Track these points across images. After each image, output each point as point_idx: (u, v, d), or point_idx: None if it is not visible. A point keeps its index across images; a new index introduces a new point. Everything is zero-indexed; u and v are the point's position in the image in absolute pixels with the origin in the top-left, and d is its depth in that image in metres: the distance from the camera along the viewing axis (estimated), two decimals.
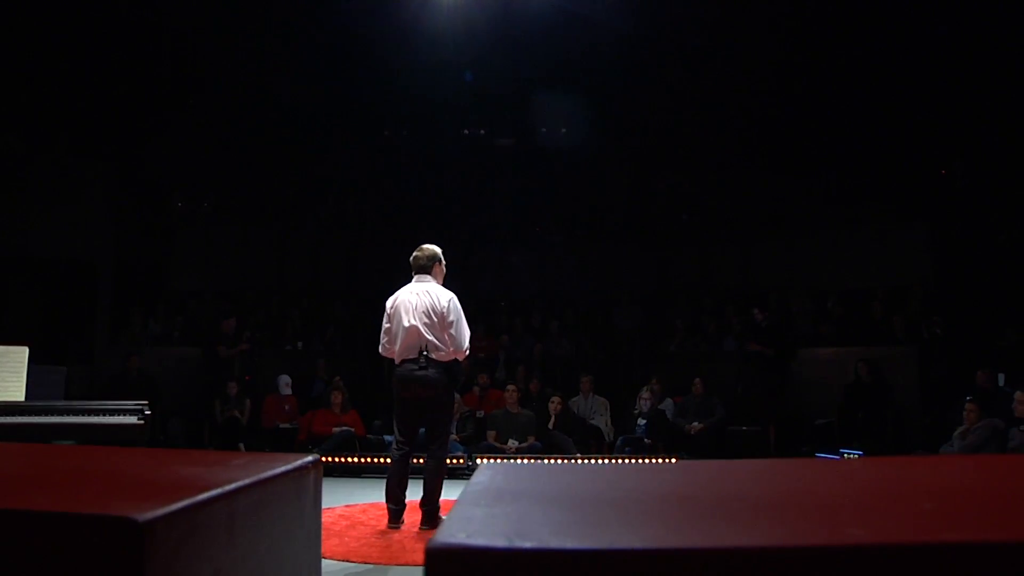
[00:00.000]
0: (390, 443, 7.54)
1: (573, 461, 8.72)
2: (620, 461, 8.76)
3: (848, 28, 10.57)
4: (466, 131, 14.25)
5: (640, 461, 8.63)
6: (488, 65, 11.59)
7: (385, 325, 5.56)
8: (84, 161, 10.86)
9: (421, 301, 5.43)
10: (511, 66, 11.70)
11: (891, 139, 11.60)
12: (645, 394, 9.89)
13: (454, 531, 0.97)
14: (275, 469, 1.40)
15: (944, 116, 10.92)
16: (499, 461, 7.73)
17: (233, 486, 1.24)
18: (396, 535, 5.29)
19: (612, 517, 1.15)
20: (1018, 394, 7.01)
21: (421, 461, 5.69)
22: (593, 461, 8.77)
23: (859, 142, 11.90)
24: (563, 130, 14.05)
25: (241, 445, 9.35)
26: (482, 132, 14.32)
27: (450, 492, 6.90)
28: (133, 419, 5.35)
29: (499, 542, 0.93)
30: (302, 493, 1.36)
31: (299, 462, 1.48)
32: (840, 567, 0.93)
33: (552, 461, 8.72)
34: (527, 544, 0.93)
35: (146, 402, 5.50)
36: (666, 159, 13.98)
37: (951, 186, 11.84)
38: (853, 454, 8.02)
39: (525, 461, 8.68)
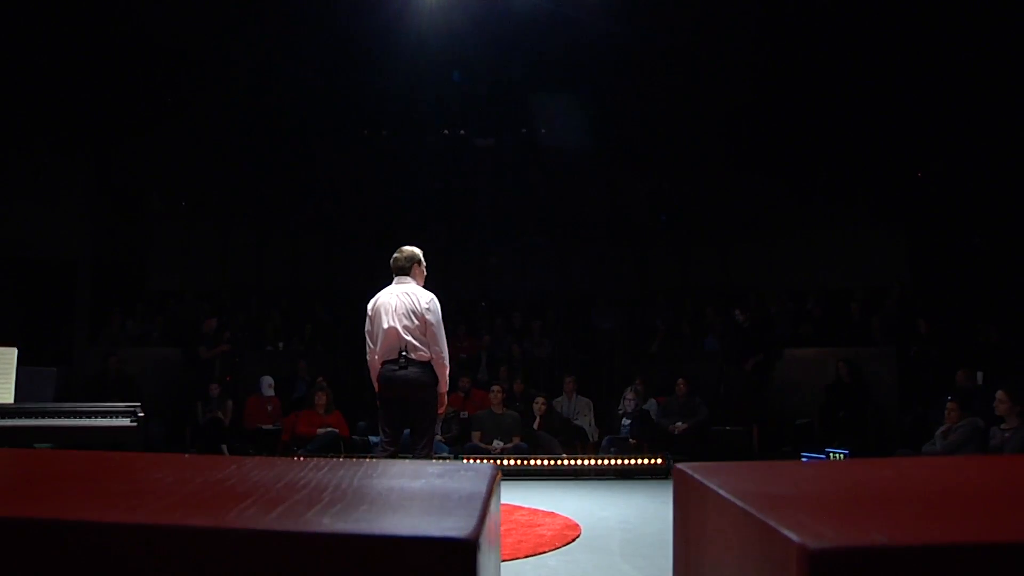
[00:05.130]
0: (375, 444, 7.52)
1: (566, 462, 8.78)
2: (608, 462, 8.80)
3: (827, 32, 10.67)
4: (446, 131, 14.22)
5: (631, 462, 8.70)
6: (469, 65, 11.57)
7: (367, 328, 5.52)
8: (61, 160, 10.72)
9: (401, 302, 5.37)
10: (492, 66, 11.69)
11: (868, 141, 11.73)
12: (629, 394, 9.94)
13: (811, 535, 0.95)
14: (487, 476, 1.39)
15: (920, 119, 11.07)
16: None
17: (483, 496, 1.23)
18: None
19: (933, 512, 1.15)
20: (1000, 393, 7.10)
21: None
22: (583, 462, 8.82)
23: (837, 144, 12.02)
24: (543, 130, 14.07)
25: (224, 447, 9.26)
26: (462, 132, 14.30)
27: None
28: (126, 421, 5.26)
29: (876, 541, 0.93)
30: (497, 501, 1.34)
31: (494, 469, 1.47)
32: None
33: (542, 462, 8.75)
34: (909, 541, 0.93)
35: (138, 403, 5.42)
36: (645, 160, 14.04)
37: (927, 188, 12.01)
38: (838, 453, 8.11)
39: (511, 462, 8.71)
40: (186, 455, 1.91)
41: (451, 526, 1.00)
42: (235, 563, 0.97)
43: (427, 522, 1.05)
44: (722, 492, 1.27)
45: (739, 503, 1.17)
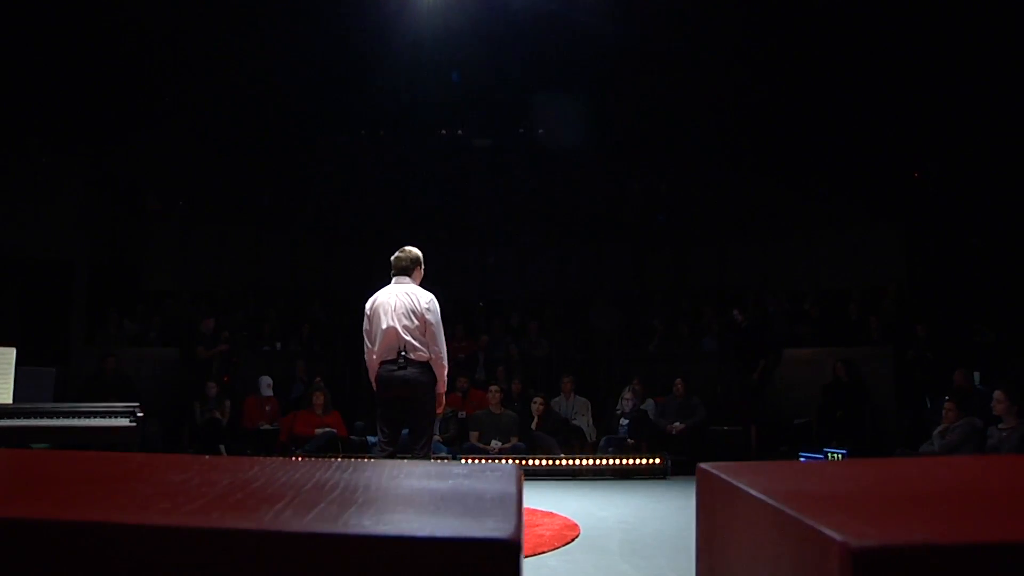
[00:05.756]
0: (373, 444, 7.52)
1: (564, 462, 8.79)
2: (606, 462, 8.82)
3: (824, 32, 10.68)
4: (443, 131, 14.22)
5: (629, 462, 8.72)
6: (468, 65, 11.57)
7: (365, 327, 5.50)
8: (58, 159, 10.69)
9: (401, 302, 5.35)
10: (489, 67, 11.68)
11: (865, 142, 11.75)
12: (627, 394, 9.95)
13: (853, 533, 0.95)
14: (513, 477, 1.38)
15: (917, 119, 11.09)
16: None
17: (515, 496, 1.22)
18: None
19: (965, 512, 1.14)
20: (997, 393, 7.13)
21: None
22: (581, 462, 8.83)
23: (834, 144, 12.04)
24: (541, 131, 14.08)
25: (222, 447, 9.25)
26: (460, 132, 14.30)
27: None
28: (125, 421, 5.24)
29: (919, 539, 0.93)
30: (522, 501, 1.34)
31: (518, 469, 1.47)
32: None
33: (540, 462, 8.76)
34: (953, 539, 0.93)
35: (137, 404, 5.40)
36: (643, 160, 14.06)
37: (924, 188, 12.03)
38: (836, 453, 8.12)
39: (509, 462, 8.70)
40: (206, 456, 1.90)
41: (492, 527, 1.00)
42: (275, 566, 0.97)
43: (467, 523, 1.05)
44: (753, 492, 1.27)
45: (773, 503, 1.17)
